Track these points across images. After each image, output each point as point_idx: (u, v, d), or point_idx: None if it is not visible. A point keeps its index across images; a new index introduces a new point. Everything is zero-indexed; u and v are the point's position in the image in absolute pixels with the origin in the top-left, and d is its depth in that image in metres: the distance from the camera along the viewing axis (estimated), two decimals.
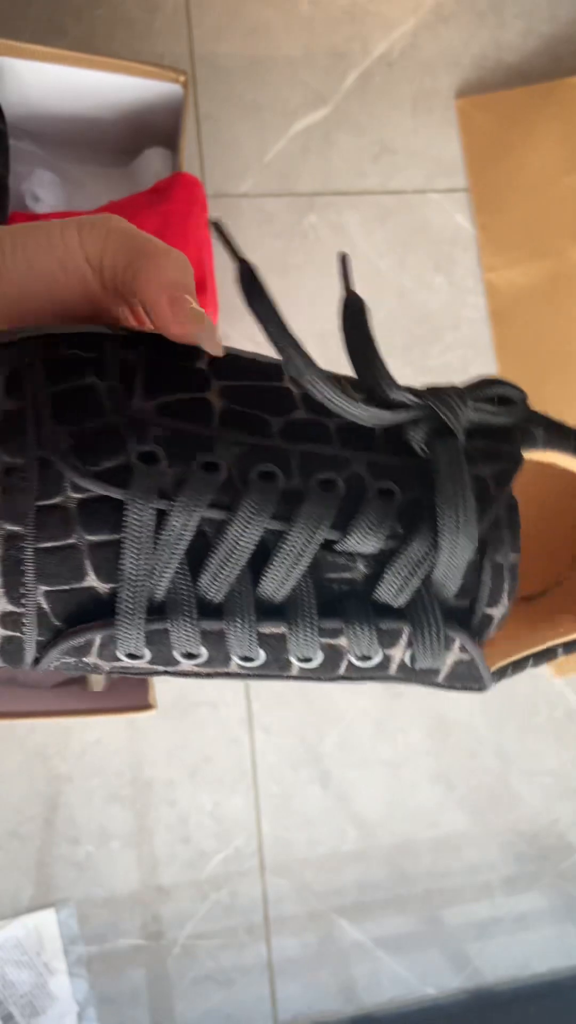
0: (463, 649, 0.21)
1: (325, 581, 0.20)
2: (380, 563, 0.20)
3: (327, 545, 0.20)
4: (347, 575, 0.20)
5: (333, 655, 0.20)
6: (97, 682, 0.63)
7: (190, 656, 0.20)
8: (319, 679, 0.21)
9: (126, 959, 0.73)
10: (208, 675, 0.21)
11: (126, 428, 0.19)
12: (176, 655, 0.20)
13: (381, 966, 0.77)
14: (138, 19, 0.77)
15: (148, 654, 0.19)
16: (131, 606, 0.19)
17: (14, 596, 0.19)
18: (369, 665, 0.21)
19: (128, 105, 0.63)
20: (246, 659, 0.20)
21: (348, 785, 0.76)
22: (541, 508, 0.27)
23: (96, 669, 0.20)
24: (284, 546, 0.19)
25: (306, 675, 0.21)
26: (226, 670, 0.20)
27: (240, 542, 0.19)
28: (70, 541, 0.18)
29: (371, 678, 0.21)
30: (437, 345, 0.79)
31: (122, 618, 0.19)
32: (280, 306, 0.20)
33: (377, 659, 0.20)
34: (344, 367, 0.22)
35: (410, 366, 0.79)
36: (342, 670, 0.21)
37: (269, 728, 0.75)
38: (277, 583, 0.19)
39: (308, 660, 0.20)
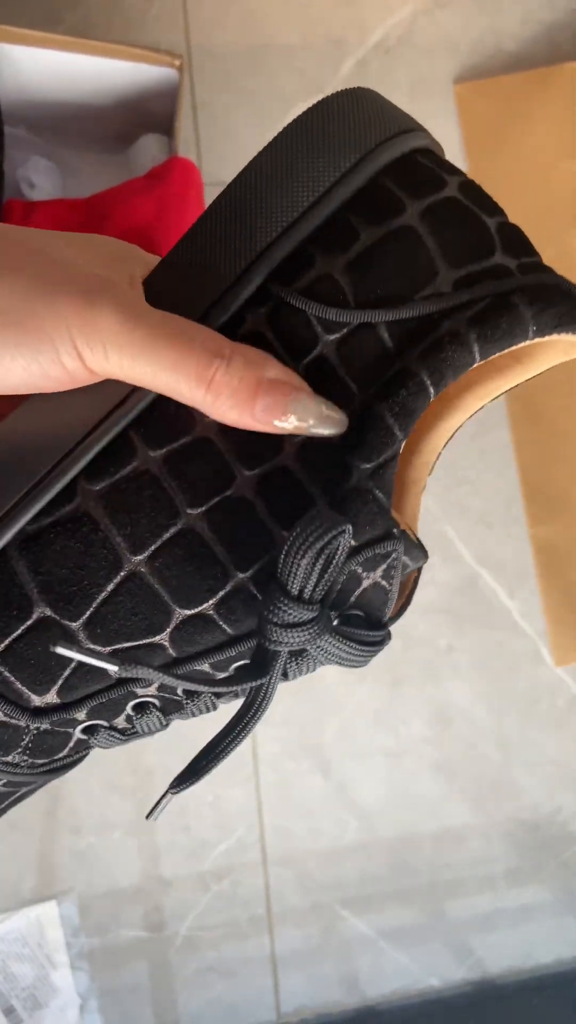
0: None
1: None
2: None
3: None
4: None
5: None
6: None
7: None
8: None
9: (128, 951, 0.73)
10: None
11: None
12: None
13: (384, 957, 0.77)
14: (134, 6, 0.76)
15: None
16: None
17: None
18: None
19: (124, 90, 0.62)
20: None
21: (349, 775, 0.76)
22: None
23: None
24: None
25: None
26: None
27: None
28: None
29: None
30: None
31: None
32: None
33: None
34: None
35: None
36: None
37: (269, 718, 0.75)
38: None
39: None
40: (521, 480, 0.78)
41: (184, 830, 0.73)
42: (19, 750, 0.23)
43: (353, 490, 0.22)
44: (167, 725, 0.24)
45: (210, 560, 0.22)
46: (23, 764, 0.24)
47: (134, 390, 0.21)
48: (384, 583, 0.23)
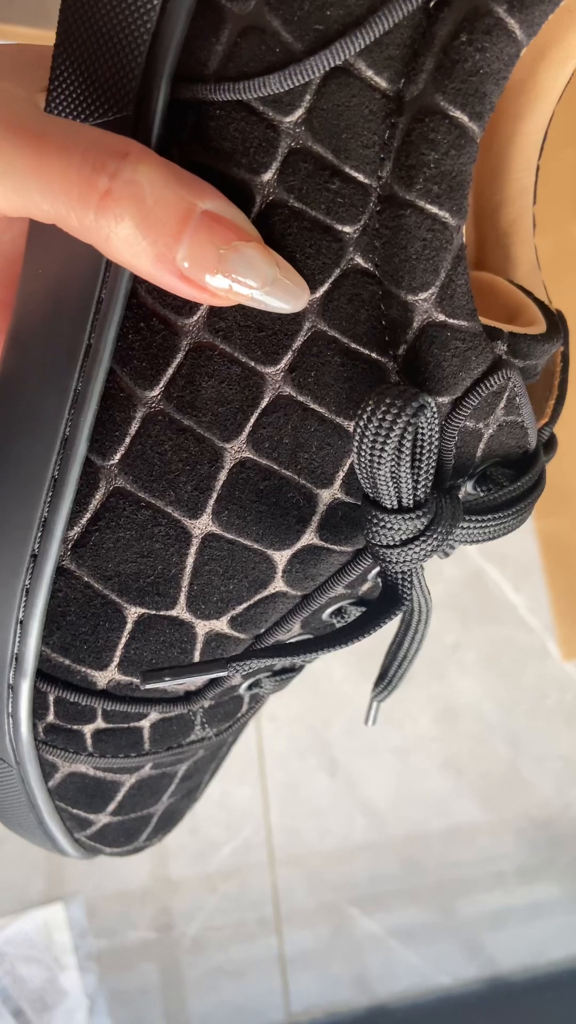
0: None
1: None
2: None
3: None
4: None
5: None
6: None
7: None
8: None
9: (136, 952, 0.73)
10: None
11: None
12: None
13: (394, 956, 0.77)
14: None
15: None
16: None
17: None
18: None
19: None
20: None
21: (356, 773, 0.76)
22: None
23: None
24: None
25: None
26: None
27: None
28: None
29: None
30: None
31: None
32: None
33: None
34: None
35: None
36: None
37: (276, 716, 0.74)
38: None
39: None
40: None
41: (191, 831, 0.73)
42: (197, 727, 0.21)
43: (420, 332, 0.16)
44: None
45: (283, 489, 0.17)
46: (208, 736, 0.22)
47: (92, 328, 0.16)
48: (512, 418, 0.17)
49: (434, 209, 0.15)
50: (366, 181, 0.15)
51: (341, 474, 0.17)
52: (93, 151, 0.13)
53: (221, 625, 0.19)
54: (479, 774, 0.78)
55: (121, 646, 0.19)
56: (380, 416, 0.14)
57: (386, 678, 0.20)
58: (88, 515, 0.17)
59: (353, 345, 0.16)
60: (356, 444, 0.15)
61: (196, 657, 0.19)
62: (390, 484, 0.15)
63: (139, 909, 0.72)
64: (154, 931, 0.73)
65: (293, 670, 0.22)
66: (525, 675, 0.79)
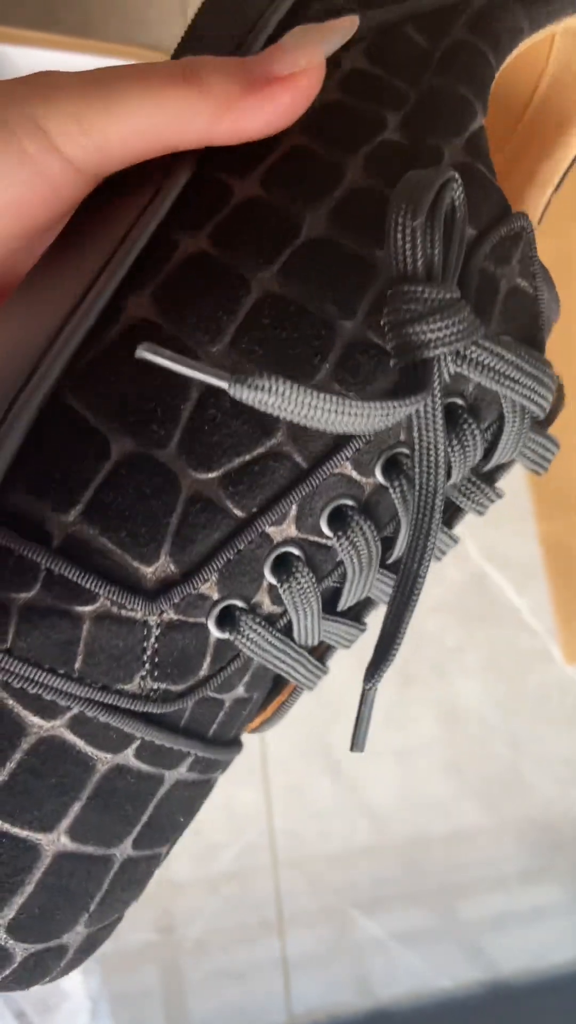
0: None
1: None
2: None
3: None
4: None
5: None
6: None
7: None
8: None
9: (139, 955, 0.73)
10: None
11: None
12: None
13: (396, 959, 0.77)
14: (132, 6, 0.76)
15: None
16: None
17: None
18: None
19: None
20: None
21: (359, 776, 0.76)
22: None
23: None
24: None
25: None
26: None
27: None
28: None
29: None
30: None
31: None
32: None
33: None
34: None
35: None
36: None
37: None
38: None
39: None
40: (528, 474, 0.78)
41: (194, 833, 0.73)
42: (144, 667, 0.17)
43: (450, 166, 0.18)
44: (320, 607, 0.19)
45: (304, 320, 0.17)
46: (154, 694, 0.18)
47: (158, 190, 0.19)
48: (524, 284, 0.19)
49: (464, 92, 0.19)
50: (405, 89, 0.20)
51: (365, 305, 0.17)
52: (164, 64, 0.18)
53: (212, 483, 0.17)
54: (481, 777, 0.78)
55: (95, 484, 0.17)
56: (419, 177, 0.16)
57: (385, 656, 0.18)
58: (101, 346, 0.18)
59: (389, 191, 0.18)
60: (394, 197, 0.16)
61: (173, 520, 0.17)
62: (418, 244, 0.16)
63: (141, 911, 0.73)
64: (156, 933, 0.73)
65: (279, 628, 0.19)
66: (527, 678, 0.79)
